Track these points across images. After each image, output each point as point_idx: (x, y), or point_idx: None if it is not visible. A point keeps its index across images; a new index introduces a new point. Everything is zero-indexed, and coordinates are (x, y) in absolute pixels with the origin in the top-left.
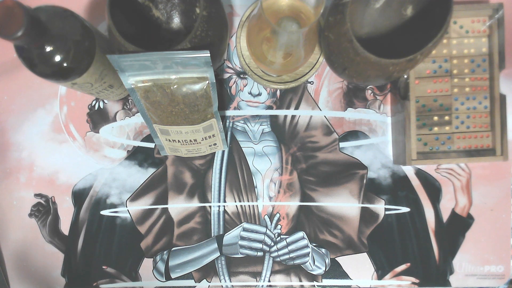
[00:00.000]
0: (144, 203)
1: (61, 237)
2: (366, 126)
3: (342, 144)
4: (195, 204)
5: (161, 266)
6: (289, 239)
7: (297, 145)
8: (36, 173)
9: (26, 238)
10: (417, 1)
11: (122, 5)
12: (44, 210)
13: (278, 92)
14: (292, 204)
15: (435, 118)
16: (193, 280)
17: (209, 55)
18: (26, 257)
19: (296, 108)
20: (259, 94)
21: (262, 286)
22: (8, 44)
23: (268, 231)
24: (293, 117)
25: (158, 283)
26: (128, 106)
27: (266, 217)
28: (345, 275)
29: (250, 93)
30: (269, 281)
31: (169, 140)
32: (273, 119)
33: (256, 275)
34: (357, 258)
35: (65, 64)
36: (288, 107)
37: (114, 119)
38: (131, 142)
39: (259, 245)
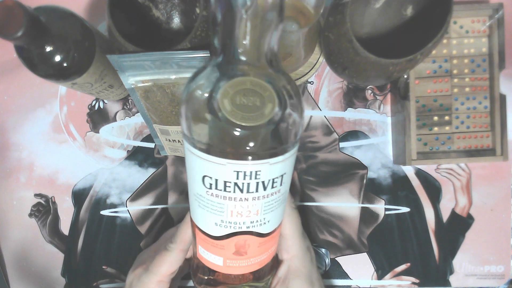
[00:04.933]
0: (144, 203)
1: (61, 237)
2: (366, 126)
3: (342, 144)
4: None
5: None
6: None
7: None
8: (36, 173)
9: (26, 238)
10: (417, 1)
11: (122, 5)
12: (44, 210)
13: None
14: None
15: (435, 118)
16: None
17: (209, 55)
18: (26, 257)
19: None
20: None
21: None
22: (8, 44)
23: None
24: None
25: None
26: (128, 106)
27: None
28: (345, 275)
29: None
30: None
31: (169, 140)
32: None
33: None
34: (357, 258)
35: (65, 64)
36: None
37: (114, 119)
38: (131, 142)
39: None
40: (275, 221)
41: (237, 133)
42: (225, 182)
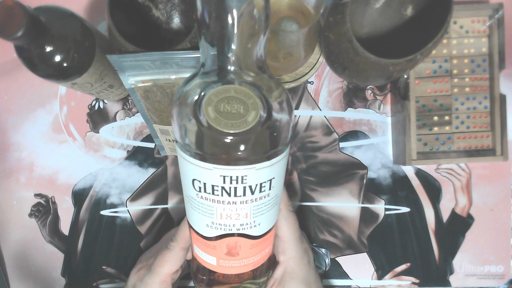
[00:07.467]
0: (144, 203)
1: (61, 237)
2: (366, 126)
3: (342, 144)
4: None
5: None
6: None
7: (297, 145)
8: (36, 173)
9: (26, 238)
10: (417, 1)
11: (122, 5)
12: (44, 210)
13: None
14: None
15: (435, 118)
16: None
17: None
18: (26, 257)
19: (296, 108)
20: None
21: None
22: (8, 44)
23: None
24: None
25: None
26: (128, 106)
27: None
28: (345, 275)
29: None
30: None
31: (169, 140)
32: None
33: None
34: (357, 258)
35: (65, 64)
36: None
37: (114, 119)
38: (131, 142)
39: None
40: (266, 224)
41: (221, 140)
42: (212, 186)
